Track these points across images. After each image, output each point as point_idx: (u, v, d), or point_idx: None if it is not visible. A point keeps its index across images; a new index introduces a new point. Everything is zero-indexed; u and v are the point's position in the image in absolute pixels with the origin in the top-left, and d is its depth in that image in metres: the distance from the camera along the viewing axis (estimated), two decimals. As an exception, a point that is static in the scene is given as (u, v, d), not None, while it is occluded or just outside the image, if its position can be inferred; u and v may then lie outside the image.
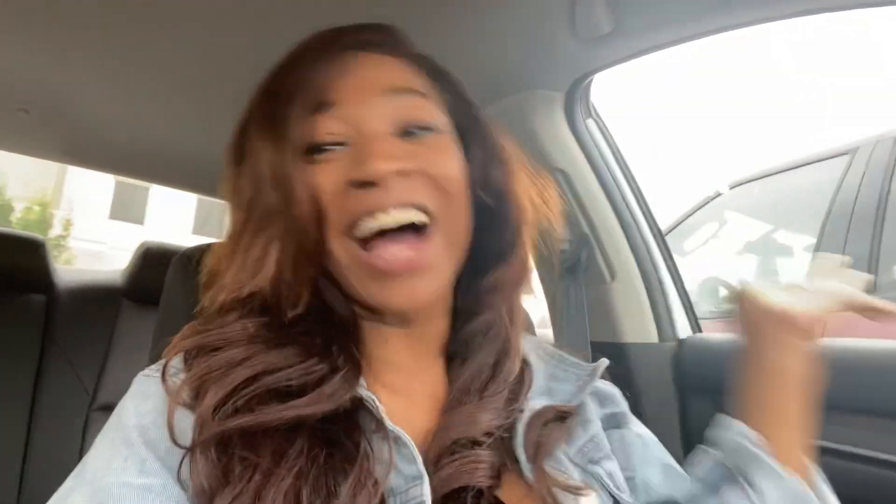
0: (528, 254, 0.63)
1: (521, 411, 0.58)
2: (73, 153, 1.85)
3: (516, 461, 0.55)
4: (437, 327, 0.61)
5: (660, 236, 1.26)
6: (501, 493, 0.52)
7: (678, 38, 0.97)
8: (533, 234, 0.64)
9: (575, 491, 0.53)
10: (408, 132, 0.56)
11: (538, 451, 0.55)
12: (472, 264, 0.60)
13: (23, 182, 15.07)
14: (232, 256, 0.55)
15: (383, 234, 0.53)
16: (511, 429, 0.57)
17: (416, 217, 0.53)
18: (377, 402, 0.51)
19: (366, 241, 0.53)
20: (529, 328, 0.72)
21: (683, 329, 1.21)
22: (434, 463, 0.51)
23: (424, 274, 0.54)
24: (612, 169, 1.24)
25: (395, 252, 0.52)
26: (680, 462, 1.09)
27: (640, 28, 0.97)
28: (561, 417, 0.60)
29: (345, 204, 0.53)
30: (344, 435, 0.49)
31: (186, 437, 0.47)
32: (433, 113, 0.58)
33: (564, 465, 0.57)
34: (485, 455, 0.53)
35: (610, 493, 0.58)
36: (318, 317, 0.55)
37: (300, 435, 0.47)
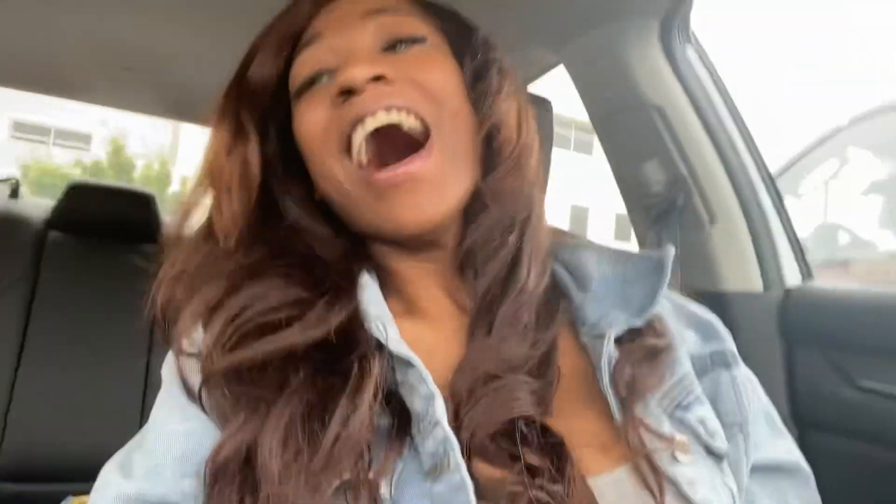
0: (525, 157, 0.58)
1: (600, 336, 0.53)
2: (174, 108, 1.95)
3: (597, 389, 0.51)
4: (454, 241, 0.59)
5: (767, 176, 1.15)
6: (558, 424, 0.47)
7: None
8: (530, 150, 0.60)
9: (677, 447, 0.49)
10: (392, 46, 0.57)
11: (631, 393, 0.50)
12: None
13: (142, 140, 16.15)
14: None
15: (381, 153, 0.53)
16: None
17: (407, 120, 0.53)
18: (379, 323, 0.49)
19: (365, 165, 0.53)
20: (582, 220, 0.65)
21: (792, 277, 1.11)
22: (467, 399, 0.48)
23: (429, 188, 0.52)
24: (715, 102, 1.13)
25: (394, 166, 0.52)
26: (789, 420, 1.03)
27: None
28: (653, 354, 0.54)
29: (334, 122, 0.54)
30: (343, 360, 0.48)
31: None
32: (419, 26, 0.58)
33: (654, 411, 0.51)
34: (522, 380, 0.49)
35: (702, 441, 0.52)
36: (310, 248, 0.56)
37: (302, 365, 0.47)
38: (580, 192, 17.07)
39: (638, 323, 0.54)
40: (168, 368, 0.53)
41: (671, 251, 0.56)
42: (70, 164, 16.31)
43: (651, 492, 0.46)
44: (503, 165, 0.57)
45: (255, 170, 0.57)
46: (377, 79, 0.52)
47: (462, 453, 0.43)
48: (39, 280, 1.68)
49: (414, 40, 0.57)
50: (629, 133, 1.19)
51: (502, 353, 0.50)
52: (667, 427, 0.50)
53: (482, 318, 0.54)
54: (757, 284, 1.10)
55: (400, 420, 0.47)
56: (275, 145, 0.60)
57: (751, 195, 1.12)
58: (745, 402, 0.57)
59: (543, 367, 0.51)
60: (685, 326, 0.60)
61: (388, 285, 0.59)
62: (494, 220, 0.56)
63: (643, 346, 0.54)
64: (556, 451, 0.45)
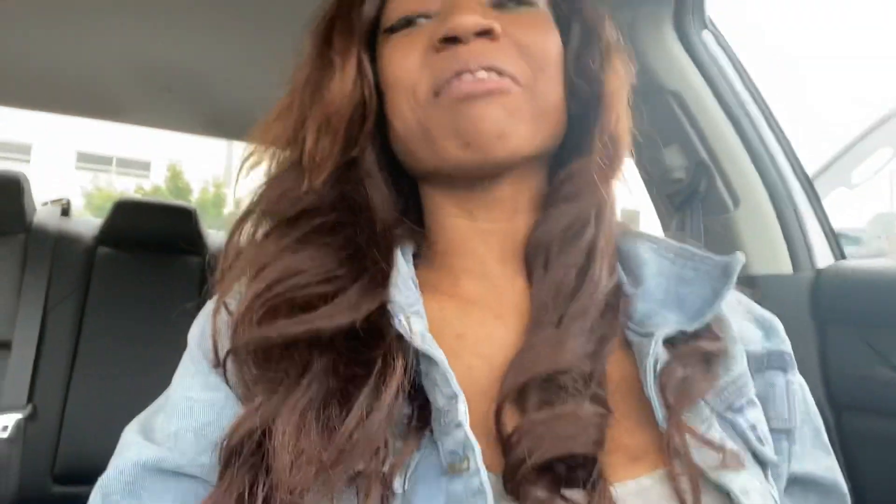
0: (621, 146, 0.56)
1: (648, 336, 0.49)
2: (214, 126, 2.02)
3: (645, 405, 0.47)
4: (524, 222, 0.56)
5: (793, 156, 1.12)
6: (608, 459, 0.43)
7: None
8: (626, 132, 0.57)
9: (729, 458, 0.45)
10: (501, 3, 0.54)
11: (679, 400, 0.46)
12: (563, 155, 0.57)
13: (197, 165, 16.74)
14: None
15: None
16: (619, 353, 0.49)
17: (502, 85, 0.51)
18: (402, 317, 0.47)
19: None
20: (633, 224, 0.62)
21: (824, 257, 1.08)
22: (514, 400, 0.45)
23: (509, 107, 0.50)
24: (734, 86, 1.12)
25: (476, 79, 0.50)
26: (824, 403, 1.00)
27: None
28: (706, 358, 0.50)
29: (428, 67, 0.52)
30: (369, 350, 0.46)
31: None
32: None
33: (704, 414, 0.47)
34: (588, 410, 0.44)
35: (751, 447, 0.48)
36: (350, 217, 0.53)
37: (326, 349, 0.45)
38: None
39: (690, 328, 0.51)
40: (198, 330, 0.52)
41: (741, 258, 0.53)
42: (131, 191, 17.05)
43: (682, 500, 0.42)
44: (595, 153, 0.54)
45: (349, 101, 0.54)
46: (484, 33, 0.50)
47: (505, 478, 0.42)
48: (90, 293, 1.77)
49: (523, 2, 0.55)
50: (648, 120, 1.17)
51: (565, 350, 0.47)
52: (717, 433, 0.47)
53: (549, 310, 0.50)
54: (786, 266, 1.08)
55: (420, 412, 0.45)
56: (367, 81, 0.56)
57: (776, 177, 1.10)
58: (796, 410, 0.54)
59: (597, 369, 0.47)
60: (747, 321, 0.57)
61: (438, 256, 0.57)
62: (578, 210, 0.54)
63: (696, 349, 0.50)
64: (595, 487, 0.41)
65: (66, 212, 1.98)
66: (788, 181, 1.10)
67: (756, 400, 0.51)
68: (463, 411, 0.43)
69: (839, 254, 1.09)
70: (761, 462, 0.49)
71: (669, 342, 0.50)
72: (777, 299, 1.05)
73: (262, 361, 0.46)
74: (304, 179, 0.54)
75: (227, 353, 0.48)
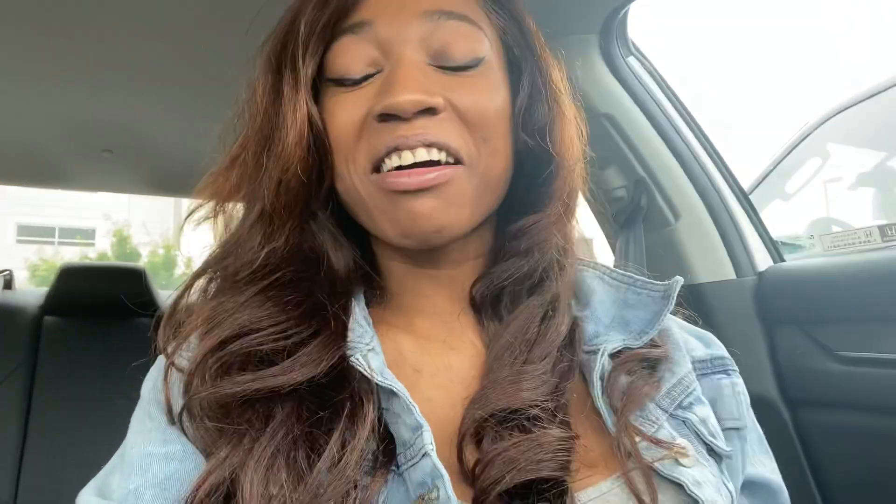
0: (572, 197, 0.56)
1: (595, 352, 0.51)
2: (155, 185, 2.00)
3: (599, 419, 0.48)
4: (472, 269, 0.56)
5: (725, 168, 1.18)
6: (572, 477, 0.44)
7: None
8: (581, 180, 0.58)
9: (678, 453, 0.46)
10: (446, 65, 0.51)
11: (626, 403, 0.48)
12: (511, 203, 0.56)
13: (144, 228, 16.38)
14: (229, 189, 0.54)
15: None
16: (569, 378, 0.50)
17: (444, 158, 0.49)
18: (362, 359, 0.47)
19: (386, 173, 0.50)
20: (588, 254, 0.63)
21: (763, 261, 1.13)
22: (473, 436, 0.45)
23: (448, 198, 0.49)
24: (663, 106, 1.17)
25: (413, 173, 0.48)
26: (779, 401, 1.02)
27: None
28: (650, 364, 0.53)
29: (370, 141, 0.49)
30: (331, 395, 0.46)
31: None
32: (480, 44, 0.52)
33: (654, 415, 0.50)
34: (551, 435, 0.44)
35: (703, 441, 0.51)
36: (307, 271, 0.52)
37: (288, 398, 0.45)
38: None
39: (634, 344, 0.53)
40: (151, 386, 0.51)
41: (679, 281, 0.55)
42: (77, 260, 16.53)
43: (640, 500, 0.44)
44: (553, 207, 0.54)
45: (304, 162, 0.51)
46: (426, 110, 0.48)
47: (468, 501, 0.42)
48: (38, 365, 1.70)
49: (470, 64, 0.51)
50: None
51: (527, 388, 0.47)
52: (666, 431, 0.49)
53: (508, 349, 0.50)
54: (729, 272, 1.12)
55: (386, 446, 0.45)
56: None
57: (710, 188, 1.15)
58: (745, 409, 0.57)
59: (560, 404, 0.48)
60: (687, 335, 0.60)
61: (391, 295, 0.57)
62: (535, 263, 0.54)
63: (638, 355, 0.53)
64: (561, 499, 0.42)
65: (8, 284, 1.91)
66: (723, 192, 1.16)
67: (704, 399, 0.54)
68: (429, 440, 0.43)
69: (778, 257, 1.14)
70: (716, 455, 0.51)
71: (614, 356, 0.53)
72: (724, 305, 1.09)
73: (219, 416, 0.45)
74: (259, 235, 0.52)
75: (182, 409, 0.47)
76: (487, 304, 0.55)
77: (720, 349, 0.60)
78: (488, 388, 0.48)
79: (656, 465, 0.45)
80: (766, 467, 0.58)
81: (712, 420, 0.53)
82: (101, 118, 1.47)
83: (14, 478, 1.53)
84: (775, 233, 1.20)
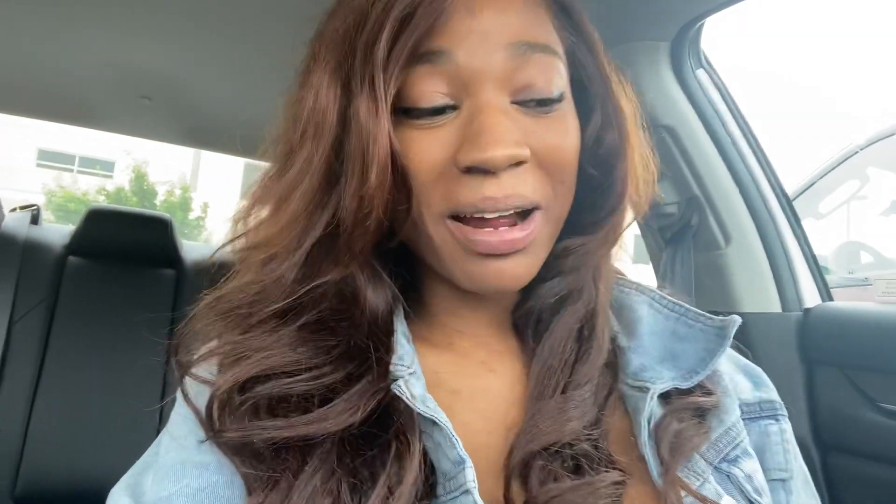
0: (623, 221, 0.54)
1: (642, 390, 0.49)
2: (190, 136, 1.98)
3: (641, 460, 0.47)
4: (516, 291, 0.54)
5: (783, 196, 1.14)
6: None
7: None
8: (640, 200, 0.56)
9: None
10: (528, 103, 0.47)
11: (673, 456, 0.46)
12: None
13: (163, 168, 16.42)
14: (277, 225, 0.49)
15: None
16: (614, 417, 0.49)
17: (523, 207, 0.47)
18: (405, 387, 0.45)
19: (463, 218, 0.47)
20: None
21: (811, 297, 1.10)
22: (521, 472, 0.44)
23: (527, 253, 0.48)
24: (727, 123, 1.13)
25: (502, 234, 0.46)
26: (811, 442, 1.01)
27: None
28: (700, 412, 0.50)
29: (449, 188, 0.46)
30: (375, 433, 0.44)
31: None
32: (561, 78, 0.49)
33: (699, 467, 0.48)
34: (601, 480, 0.43)
35: (748, 498, 0.48)
36: (345, 306, 0.48)
37: (324, 440, 0.43)
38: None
39: (684, 385, 0.51)
40: (181, 403, 0.49)
41: (736, 321, 0.52)
42: (94, 191, 16.61)
43: None
44: (604, 231, 0.53)
45: (388, 184, 0.45)
46: (515, 163, 0.46)
47: None
48: (58, 304, 1.70)
49: (553, 99, 0.48)
50: (641, 154, 1.18)
51: (570, 420, 0.46)
52: (711, 487, 0.47)
53: (553, 374, 0.49)
54: (775, 305, 1.09)
55: (426, 477, 0.44)
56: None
57: (766, 215, 1.11)
58: (793, 459, 0.55)
59: (601, 436, 0.47)
60: (735, 371, 0.57)
61: (431, 314, 0.56)
62: (575, 282, 0.53)
63: (690, 403, 0.50)
64: None
65: (35, 219, 1.90)
66: (778, 221, 1.12)
67: (751, 450, 0.52)
68: (471, 477, 0.42)
69: (826, 296, 1.10)
70: None
71: (663, 396, 0.50)
72: (766, 338, 1.06)
73: (249, 458, 0.44)
74: (299, 269, 0.48)
75: (211, 436, 0.45)
76: (530, 326, 0.53)
77: (770, 391, 0.58)
78: (537, 417, 0.46)
79: None
80: None
81: (759, 476, 0.51)
82: (143, 65, 1.45)
83: (27, 412, 1.54)
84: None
